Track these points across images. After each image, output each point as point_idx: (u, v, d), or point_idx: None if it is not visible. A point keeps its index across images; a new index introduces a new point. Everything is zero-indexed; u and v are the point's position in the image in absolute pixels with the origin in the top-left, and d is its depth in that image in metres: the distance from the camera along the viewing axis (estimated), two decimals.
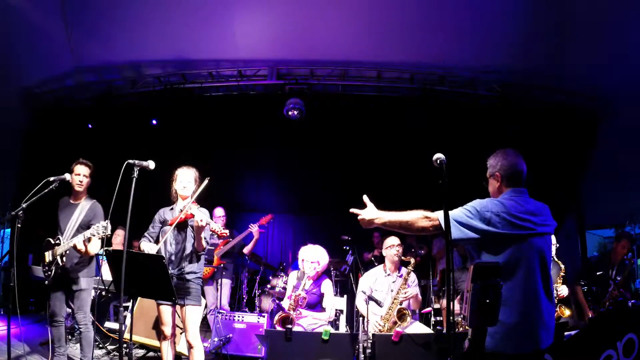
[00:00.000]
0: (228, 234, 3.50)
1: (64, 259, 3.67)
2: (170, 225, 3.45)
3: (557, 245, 4.28)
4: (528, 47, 5.75)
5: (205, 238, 3.44)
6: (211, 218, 3.61)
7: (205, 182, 3.46)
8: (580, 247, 7.28)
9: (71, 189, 3.84)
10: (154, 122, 7.29)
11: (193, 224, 3.42)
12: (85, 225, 3.69)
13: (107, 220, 3.39)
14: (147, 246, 3.43)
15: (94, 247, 3.70)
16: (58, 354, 3.78)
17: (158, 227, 3.64)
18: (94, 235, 3.42)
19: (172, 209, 3.64)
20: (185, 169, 3.62)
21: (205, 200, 3.60)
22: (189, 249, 3.48)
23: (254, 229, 5.72)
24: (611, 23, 5.11)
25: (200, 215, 3.31)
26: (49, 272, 3.67)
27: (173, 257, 3.47)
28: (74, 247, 3.54)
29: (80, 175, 3.81)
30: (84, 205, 3.81)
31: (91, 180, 3.89)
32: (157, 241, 3.56)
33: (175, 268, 3.44)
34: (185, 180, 3.58)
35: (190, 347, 3.42)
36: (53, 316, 3.76)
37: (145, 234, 3.64)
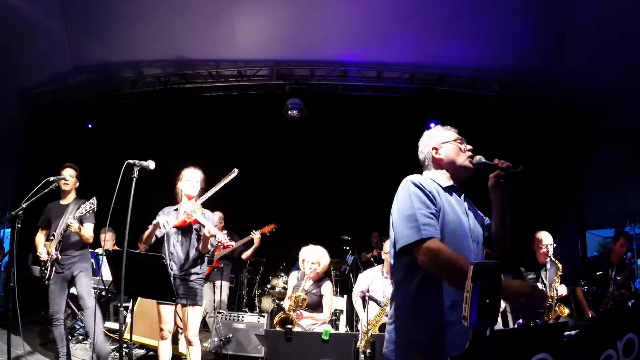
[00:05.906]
0: (234, 245, 3.55)
1: (59, 252, 3.77)
2: (175, 227, 3.44)
3: (554, 245, 4.30)
4: (528, 47, 5.75)
5: (210, 243, 3.41)
6: None
7: (234, 173, 3.39)
8: (580, 247, 7.28)
9: (59, 192, 3.97)
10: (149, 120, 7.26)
11: (198, 228, 3.41)
12: (78, 221, 3.76)
13: (93, 197, 3.62)
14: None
15: (88, 230, 3.84)
16: (61, 354, 3.81)
17: None
18: (82, 214, 3.61)
19: (176, 209, 3.58)
20: (192, 169, 3.60)
21: (206, 202, 3.59)
22: (193, 252, 3.46)
23: (256, 236, 5.64)
24: (611, 23, 5.11)
25: (208, 225, 3.29)
26: (46, 271, 3.75)
27: (176, 259, 3.45)
28: (69, 226, 3.65)
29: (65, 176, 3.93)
30: (74, 205, 3.89)
31: (79, 181, 4.05)
32: (160, 240, 3.56)
33: (179, 269, 3.43)
34: (193, 179, 3.55)
35: (189, 344, 3.42)
36: (53, 315, 3.79)
37: None
